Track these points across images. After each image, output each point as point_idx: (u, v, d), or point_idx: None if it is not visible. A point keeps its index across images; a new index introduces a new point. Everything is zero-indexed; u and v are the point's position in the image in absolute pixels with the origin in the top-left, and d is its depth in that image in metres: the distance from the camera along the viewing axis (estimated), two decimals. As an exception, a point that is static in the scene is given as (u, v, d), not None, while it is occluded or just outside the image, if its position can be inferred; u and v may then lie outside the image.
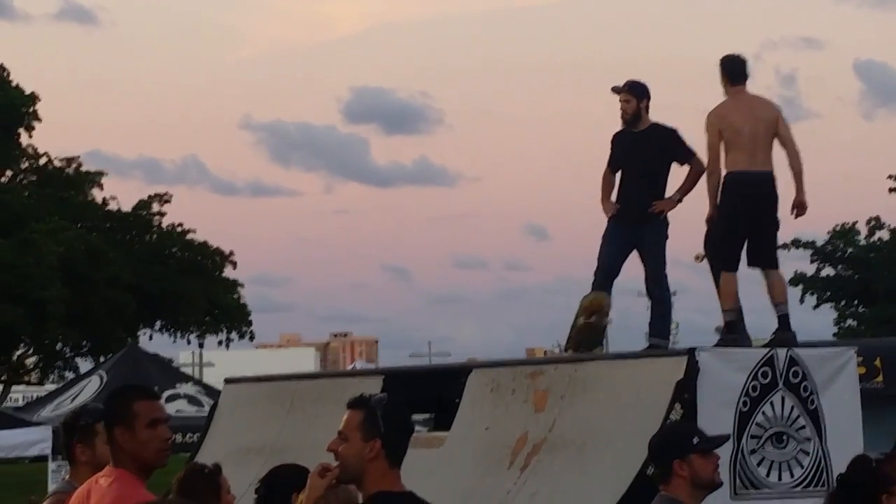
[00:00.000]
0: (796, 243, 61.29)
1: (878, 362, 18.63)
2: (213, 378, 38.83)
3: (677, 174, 16.34)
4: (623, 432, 12.92)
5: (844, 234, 59.32)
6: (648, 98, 16.13)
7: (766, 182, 15.56)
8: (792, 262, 64.28)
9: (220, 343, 60.34)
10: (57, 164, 56.00)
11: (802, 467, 14.04)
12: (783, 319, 15.71)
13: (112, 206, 56.91)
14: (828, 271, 61.73)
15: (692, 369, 13.82)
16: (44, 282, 47.43)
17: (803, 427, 14.19)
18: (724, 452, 11.83)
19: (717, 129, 15.47)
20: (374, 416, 7.20)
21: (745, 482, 13.72)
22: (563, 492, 13.77)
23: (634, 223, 15.94)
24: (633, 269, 16.48)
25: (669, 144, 16.09)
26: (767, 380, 14.18)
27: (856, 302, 61.34)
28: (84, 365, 51.81)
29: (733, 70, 15.87)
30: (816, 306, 65.45)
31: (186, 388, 35.03)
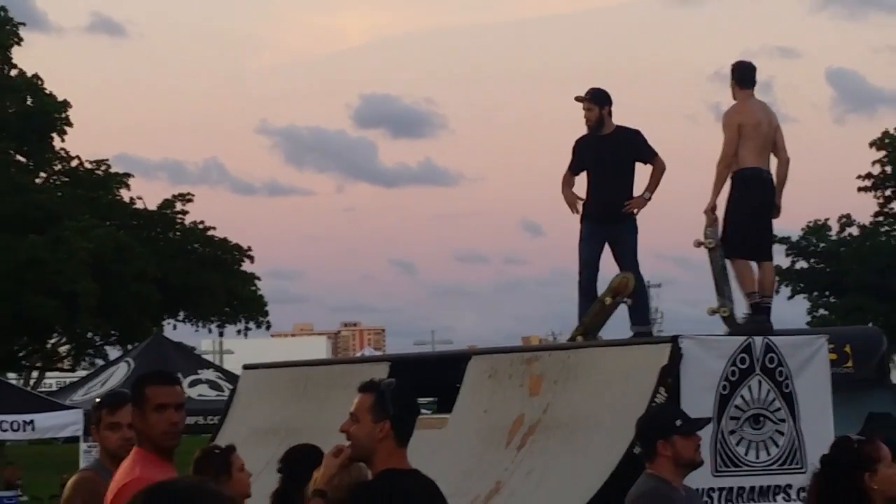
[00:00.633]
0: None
1: (847, 349, 18.66)
2: (233, 364, 38.76)
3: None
4: (611, 414, 12.94)
5: (817, 230, 59.30)
6: (610, 104, 16.10)
7: (771, 181, 15.71)
8: (768, 256, 64.56)
9: (238, 332, 60.30)
10: (87, 166, 55.91)
11: (778, 447, 14.07)
12: (767, 310, 15.80)
13: (139, 205, 56.85)
14: (801, 264, 61.70)
15: (676, 356, 13.82)
16: (75, 276, 47.35)
17: (779, 409, 14.22)
18: (706, 433, 11.86)
19: (736, 125, 15.42)
20: (384, 399, 7.26)
21: (725, 461, 13.74)
22: (556, 469, 13.82)
23: (608, 222, 15.99)
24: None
25: (634, 146, 16.13)
26: (745, 365, 14.19)
27: (827, 293, 61.35)
28: (113, 353, 51.72)
29: (743, 75, 15.82)
30: (791, 297, 65.62)
31: (208, 374, 34.93)
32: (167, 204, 57.50)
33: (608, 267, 16.42)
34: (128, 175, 57.75)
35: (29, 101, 54.11)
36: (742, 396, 14.16)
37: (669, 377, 13.48)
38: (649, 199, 16.28)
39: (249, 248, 57.76)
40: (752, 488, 13.86)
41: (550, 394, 14.69)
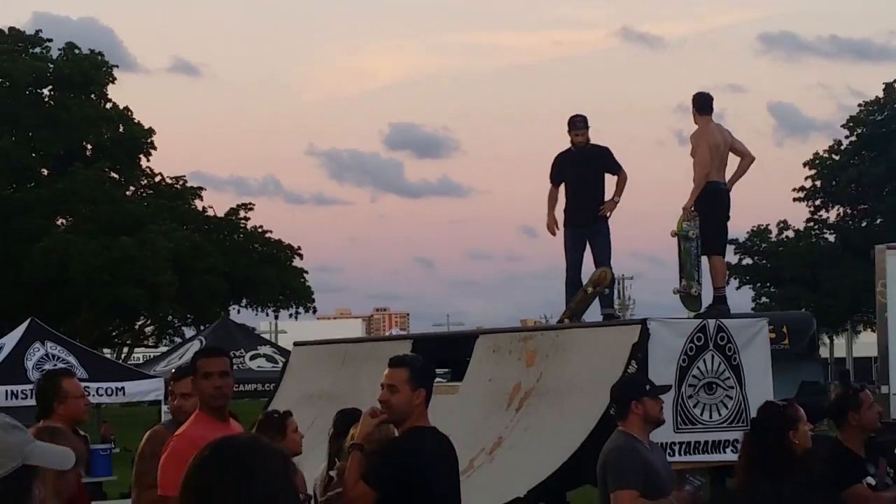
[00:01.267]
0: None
1: (784, 329, 18.70)
2: (285, 342, 38.65)
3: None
4: (592, 382, 12.95)
5: (760, 233, 59.11)
6: (587, 126, 16.08)
7: (728, 192, 15.82)
8: (720, 254, 64.78)
9: (290, 315, 60.09)
10: (168, 181, 55.88)
11: (727, 409, 14.16)
12: (722, 298, 15.92)
13: (210, 212, 56.80)
14: (747, 261, 61.49)
15: (644, 335, 13.91)
16: (158, 270, 47.36)
17: (728, 378, 14.30)
18: (668, 398, 11.90)
19: (707, 145, 15.41)
20: (418, 372, 7.34)
21: (684, 420, 13.83)
22: (547, 427, 13.91)
23: (586, 225, 15.96)
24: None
25: (605, 160, 16.13)
26: (701, 343, 14.25)
27: (768, 284, 61.14)
28: (188, 332, 51.70)
29: (703, 104, 15.79)
30: (738, 288, 65.36)
31: (265, 350, 34.82)
32: (232, 212, 57.53)
33: (588, 262, 16.47)
34: (201, 188, 57.89)
35: (121, 129, 54.20)
36: (698, 368, 14.23)
37: (639, 352, 13.59)
38: (618, 202, 16.25)
39: (299, 248, 57.72)
40: (707, 442, 13.98)
41: (542, 365, 14.78)
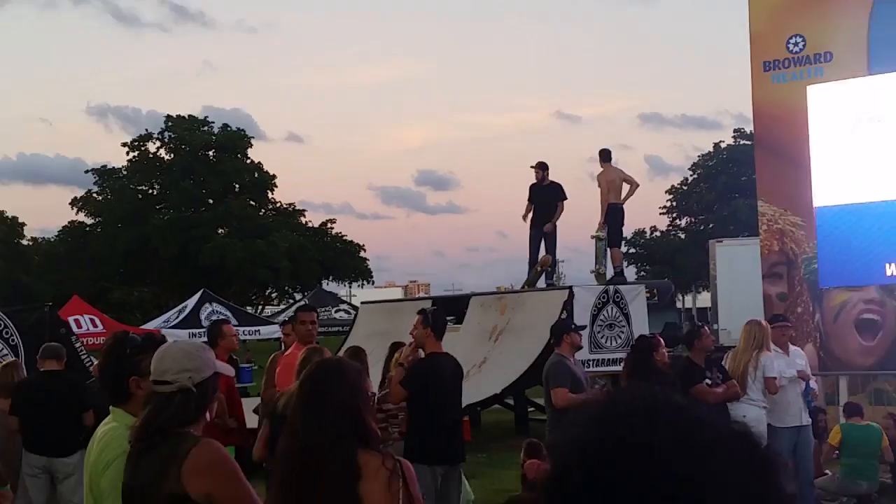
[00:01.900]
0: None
1: (654, 291, 18.83)
2: (355, 302, 38.81)
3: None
4: (539, 324, 12.98)
5: (640, 233, 58.61)
6: (547, 169, 15.77)
7: (623, 210, 15.69)
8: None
9: (358, 286, 59.72)
10: (285, 206, 55.69)
11: (621, 339, 14.32)
12: (620, 272, 15.94)
13: (310, 224, 56.52)
14: (633, 251, 61.16)
15: (571, 296, 14.32)
16: (279, 260, 47.43)
17: (621, 321, 14.56)
18: (585, 333, 11.91)
19: (606, 181, 15.41)
20: (428, 318, 7.33)
21: (594, 346, 14.04)
22: (513, 351, 14.13)
23: (540, 228, 15.61)
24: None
25: (557, 193, 15.78)
26: (605, 300, 14.52)
27: (645, 265, 60.58)
28: (297, 297, 51.74)
29: (604, 155, 15.66)
30: (627, 267, 65.84)
31: (344, 307, 34.86)
32: (323, 224, 57.24)
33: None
34: (304, 210, 57.43)
35: (255, 175, 54.09)
36: (603, 314, 14.46)
37: (568, 306, 13.91)
38: (556, 223, 15.89)
39: (363, 245, 57.64)
40: (608, 359, 14.11)
41: (510, 315, 15.04)
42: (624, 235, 16.08)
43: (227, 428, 7.17)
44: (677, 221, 57.82)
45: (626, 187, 15.41)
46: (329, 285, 53.12)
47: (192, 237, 49.55)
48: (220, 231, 51.79)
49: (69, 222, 53.82)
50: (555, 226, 15.78)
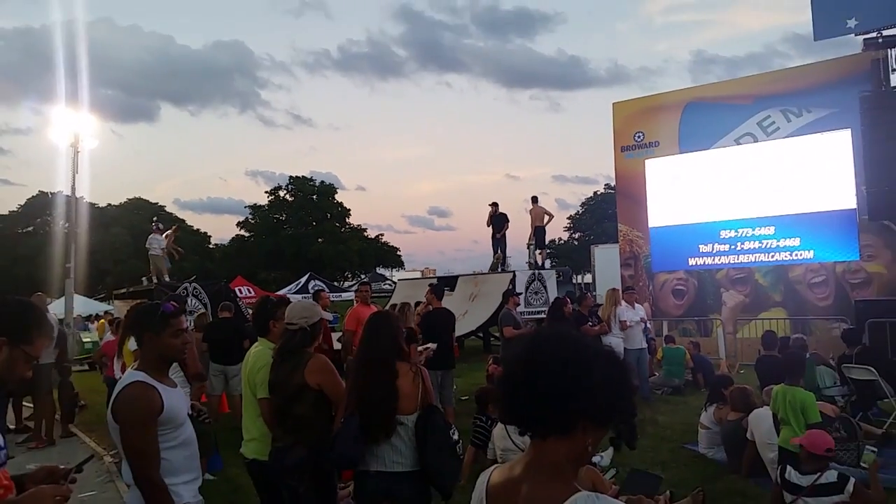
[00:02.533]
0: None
1: (560, 274, 18.53)
2: (395, 279, 38.65)
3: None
4: (496, 292, 12.83)
5: (553, 241, 57.23)
6: (498, 205, 14.78)
7: (545, 231, 14.96)
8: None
9: (396, 270, 58.99)
10: (355, 226, 55.29)
11: (542, 301, 13.93)
12: (542, 266, 15.25)
13: (368, 235, 56.19)
14: (548, 252, 60.06)
15: (514, 276, 13.84)
16: (352, 256, 47.54)
17: (543, 291, 14.16)
18: (522, 297, 11.79)
19: (534, 216, 14.64)
20: (433, 287, 7.21)
21: (527, 303, 13.63)
22: (482, 307, 13.68)
23: (497, 238, 14.84)
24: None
25: (505, 220, 14.85)
26: (533, 279, 14.15)
27: (555, 261, 59.69)
28: (362, 276, 51.33)
29: (535, 199, 14.70)
30: (545, 261, 64.32)
31: (388, 282, 34.91)
32: (377, 236, 56.71)
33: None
34: (366, 228, 57.05)
35: (338, 209, 53.59)
36: (534, 286, 14.13)
37: (512, 282, 13.43)
38: (505, 231, 14.86)
39: (399, 248, 57.32)
40: (536, 311, 13.66)
41: (480, 286, 14.61)
42: (545, 244, 15.70)
43: (323, 350, 6.98)
44: (574, 235, 57.32)
45: (546, 217, 14.94)
46: (380, 270, 52.98)
47: (304, 244, 49.08)
48: (319, 240, 51.35)
49: (236, 235, 53.35)
50: (504, 236, 15.13)
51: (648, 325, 9.76)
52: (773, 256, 11.84)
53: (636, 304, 8.90)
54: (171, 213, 50.49)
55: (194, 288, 12.35)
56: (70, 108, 18.67)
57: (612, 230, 15.68)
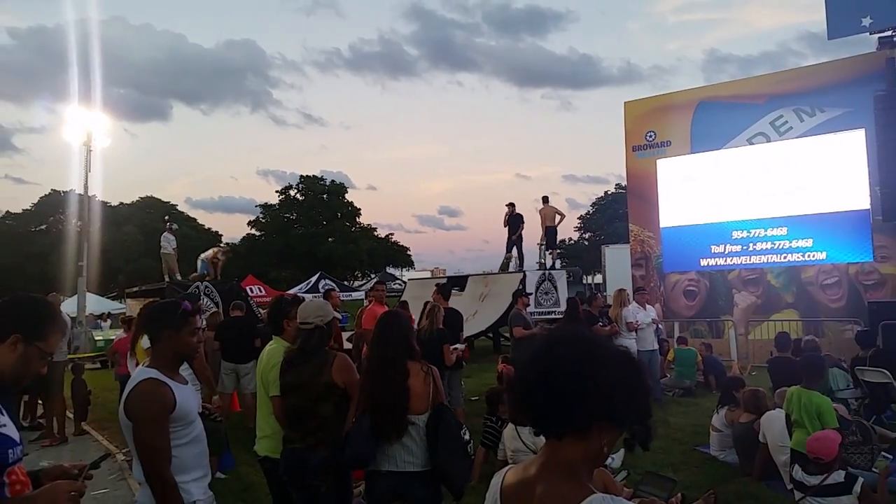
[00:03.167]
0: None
1: (570, 274, 18.45)
2: (404, 278, 38.66)
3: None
4: (506, 292, 12.80)
5: (563, 242, 57.25)
6: (515, 205, 14.72)
7: (556, 231, 14.74)
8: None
9: (406, 270, 59.13)
10: (365, 226, 55.35)
11: (552, 301, 13.87)
12: (553, 266, 15.18)
13: (379, 235, 56.35)
14: (559, 252, 59.78)
15: (524, 276, 13.78)
16: (361, 256, 47.73)
17: (552, 291, 14.09)
18: (532, 298, 11.77)
19: (543, 215, 14.45)
20: (439, 287, 7.17)
21: (538, 304, 13.57)
22: (491, 306, 13.69)
23: (512, 239, 14.82)
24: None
25: (521, 219, 14.76)
26: (544, 278, 14.07)
27: (566, 261, 59.31)
28: (372, 276, 51.47)
29: (545, 198, 14.71)
30: (555, 261, 64.00)
31: (398, 282, 34.96)
32: (387, 235, 56.85)
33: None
34: (376, 227, 57.18)
35: (349, 208, 53.56)
36: (543, 286, 14.04)
37: (522, 282, 13.38)
38: (519, 245, 14.83)
39: (409, 248, 57.39)
40: (546, 311, 13.64)
41: (490, 287, 14.60)
42: (556, 244, 15.59)
43: (334, 349, 6.98)
44: (584, 235, 57.17)
45: (557, 217, 14.86)
46: (390, 269, 53.08)
47: (314, 243, 49.17)
48: (329, 239, 51.49)
49: (247, 234, 53.56)
50: (521, 237, 14.96)
51: (660, 326, 9.66)
52: (785, 257, 11.73)
53: (647, 305, 8.84)
54: (183, 212, 50.94)
55: (206, 287, 12.41)
56: (83, 106, 18.94)
57: (623, 230, 15.59)
